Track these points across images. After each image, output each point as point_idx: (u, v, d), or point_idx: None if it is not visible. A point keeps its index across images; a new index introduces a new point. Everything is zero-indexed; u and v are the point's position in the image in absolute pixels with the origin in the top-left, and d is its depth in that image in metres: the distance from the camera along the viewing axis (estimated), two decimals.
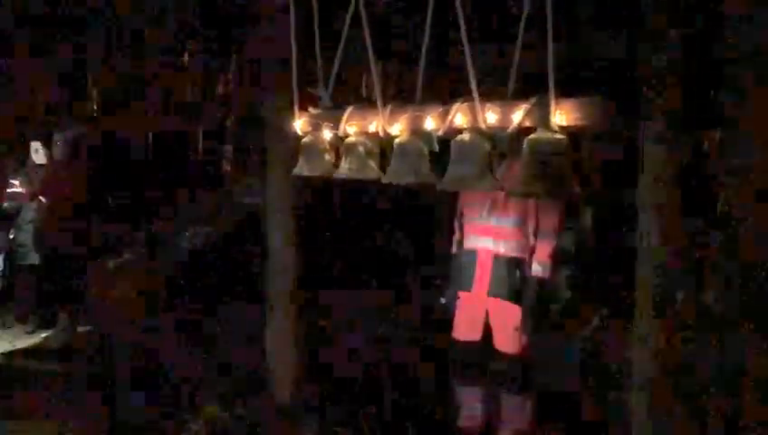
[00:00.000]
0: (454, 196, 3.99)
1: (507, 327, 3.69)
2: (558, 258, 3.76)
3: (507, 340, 3.69)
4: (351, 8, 2.97)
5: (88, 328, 5.93)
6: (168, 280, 6.72)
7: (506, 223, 3.70)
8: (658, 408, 2.80)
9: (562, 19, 2.48)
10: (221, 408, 4.18)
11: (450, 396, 3.99)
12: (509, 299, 3.68)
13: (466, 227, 3.87)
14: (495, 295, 3.71)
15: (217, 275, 6.77)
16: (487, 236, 3.75)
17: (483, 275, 3.74)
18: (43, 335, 5.81)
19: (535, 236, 3.67)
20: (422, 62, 2.89)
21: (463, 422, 3.91)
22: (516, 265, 3.68)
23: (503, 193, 3.51)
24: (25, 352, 5.53)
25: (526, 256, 3.68)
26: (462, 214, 3.93)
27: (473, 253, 3.80)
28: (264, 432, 3.98)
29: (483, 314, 3.76)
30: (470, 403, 3.87)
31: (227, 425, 4.02)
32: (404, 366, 4.91)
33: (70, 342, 5.65)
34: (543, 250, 3.65)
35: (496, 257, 3.71)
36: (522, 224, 3.68)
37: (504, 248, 3.70)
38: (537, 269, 3.65)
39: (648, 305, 2.81)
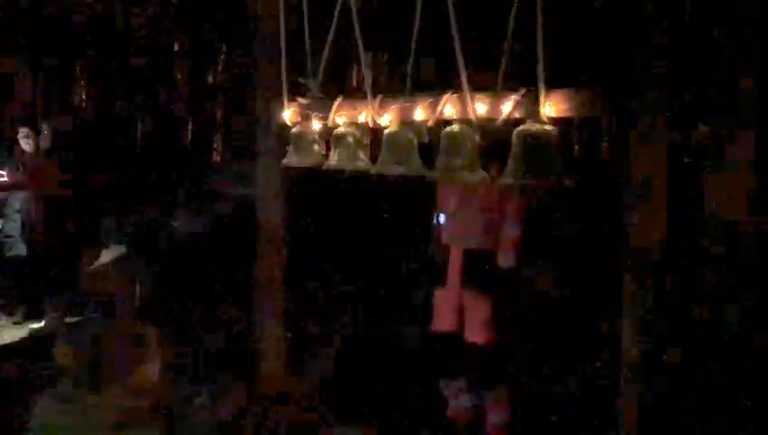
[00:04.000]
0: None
1: (478, 319, 3.72)
2: (522, 248, 3.77)
3: (477, 331, 3.72)
4: None
5: (76, 319, 5.90)
6: (156, 271, 6.69)
7: (473, 217, 3.72)
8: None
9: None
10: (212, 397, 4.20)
11: (429, 388, 4.02)
12: (480, 291, 3.71)
13: (441, 223, 3.90)
14: (467, 288, 3.74)
15: (206, 265, 6.75)
16: (456, 231, 3.78)
17: (455, 270, 3.77)
18: (31, 326, 5.77)
19: (501, 227, 3.69)
20: (412, 53, 2.88)
21: (443, 413, 3.94)
22: (486, 258, 3.70)
23: (468, 187, 3.56)
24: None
25: (494, 247, 3.70)
26: (439, 210, 3.95)
27: (445, 248, 3.83)
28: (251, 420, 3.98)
29: (458, 307, 3.78)
30: (449, 395, 3.90)
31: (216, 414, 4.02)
32: (387, 358, 4.94)
33: (57, 332, 5.62)
34: (509, 240, 3.68)
35: (466, 251, 3.74)
36: (488, 216, 3.70)
37: (473, 242, 3.73)
38: (504, 260, 3.67)
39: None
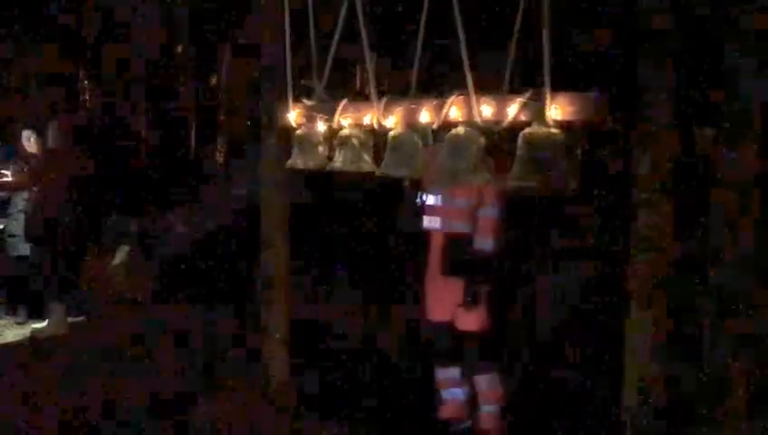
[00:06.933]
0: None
1: (461, 304, 3.67)
2: (500, 232, 3.75)
3: (464, 317, 3.69)
4: None
5: (79, 319, 5.90)
6: (160, 272, 6.72)
7: (454, 202, 3.71)
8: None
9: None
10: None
11: (427, 378, 4.01)
12: (461, 276, 3.67)
13: (424, 209, 3.87)
14: (450, 274, 3.72)
15: (210, 267, 6.76)
16: (438, 216, 3.77)
17: (437, 255, 3.77)
18: (34, 326, 5.77)
19: (479, 211, 3.68)
20: (417, 55, 2.88)
21: (438, 404, 3.92)
22: (466, 243, 3.68)
23: None
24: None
25: (473, 232, 3.70)
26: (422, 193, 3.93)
27: (427, 234, 3.83)
28: (256, 423, 3.98)
29: (446, 293, 3.75)
30: (442, 386, 3.89)
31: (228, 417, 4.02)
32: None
33: (60, 333, 5.63)
34: (487, 225, 3.67)
35: (447, 236, 3.73)
36: (468, 202, 3.69)
37: (454, 227, 3.71)
38: (482, 244, 3.67)
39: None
